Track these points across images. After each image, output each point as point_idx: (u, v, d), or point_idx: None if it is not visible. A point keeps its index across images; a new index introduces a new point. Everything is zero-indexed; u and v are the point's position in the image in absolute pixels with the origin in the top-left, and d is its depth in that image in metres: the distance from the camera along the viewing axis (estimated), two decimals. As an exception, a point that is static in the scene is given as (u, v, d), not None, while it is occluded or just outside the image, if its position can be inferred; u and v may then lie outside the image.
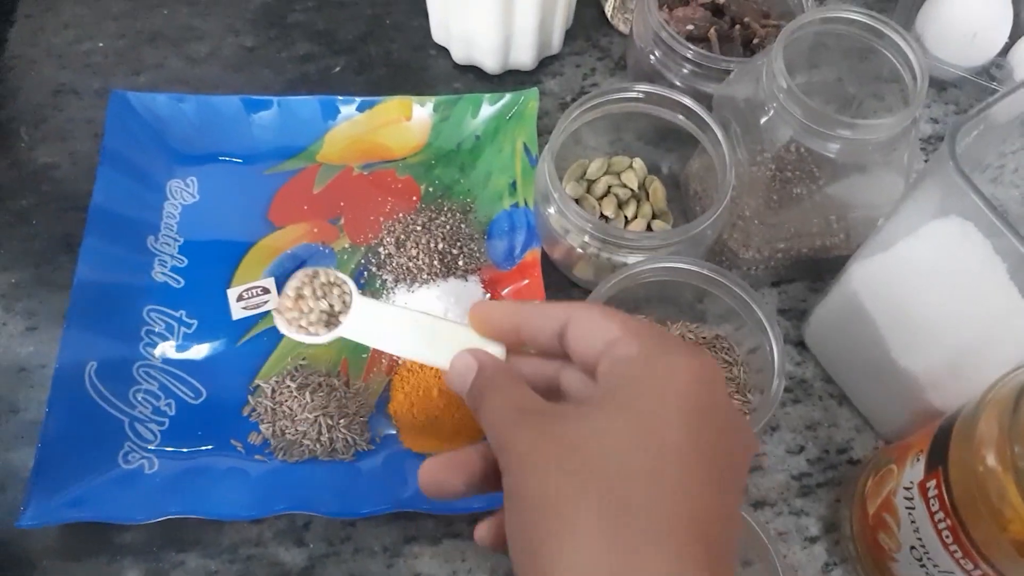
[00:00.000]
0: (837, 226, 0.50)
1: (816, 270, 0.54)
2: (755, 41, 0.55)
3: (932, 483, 0.37)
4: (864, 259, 0.46)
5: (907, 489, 0.39)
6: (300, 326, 0.39)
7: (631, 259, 0.47)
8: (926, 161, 0.59)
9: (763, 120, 0.45)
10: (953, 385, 0.43)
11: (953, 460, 0.36)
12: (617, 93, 0.49)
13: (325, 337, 0.39)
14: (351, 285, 0.40)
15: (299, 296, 0.40)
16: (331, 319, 0.39)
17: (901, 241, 0.43)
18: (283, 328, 0.39)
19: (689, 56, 0.51)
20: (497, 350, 0.36)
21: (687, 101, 0.48)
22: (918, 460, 0.39)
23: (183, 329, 0.51)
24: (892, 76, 0.46)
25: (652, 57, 0.54)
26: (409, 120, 0.57)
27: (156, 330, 0.51)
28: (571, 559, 0.26)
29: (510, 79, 0.61)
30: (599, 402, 0.30)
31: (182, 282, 0.53)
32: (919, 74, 0.42)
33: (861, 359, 0.48)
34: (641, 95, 0.49)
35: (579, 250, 0.48)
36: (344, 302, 0.39)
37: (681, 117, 0.49)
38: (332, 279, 0.40)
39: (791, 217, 0.48)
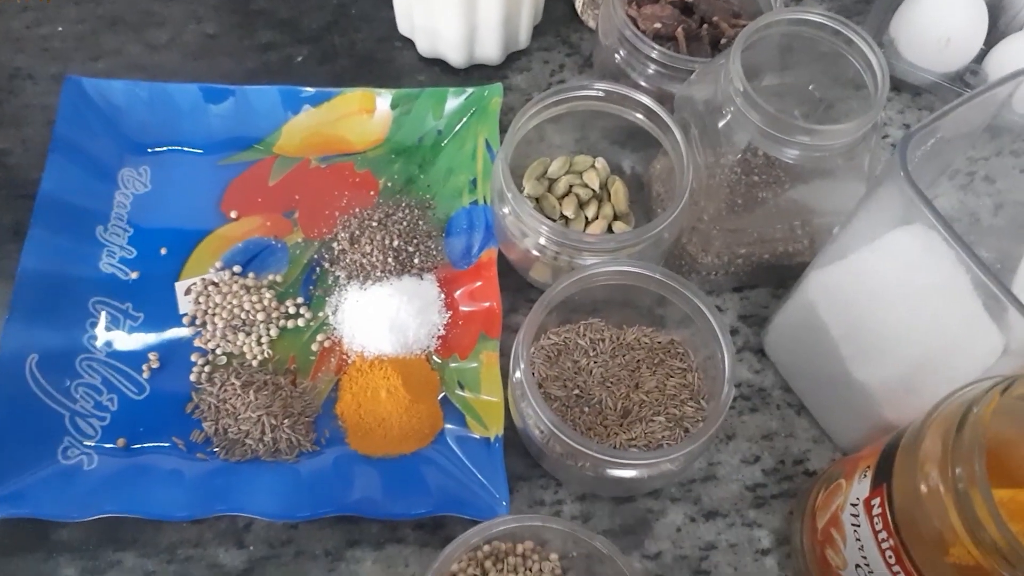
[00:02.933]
0: (801, 232, 0.49)
1: (779, 276, 0.53)
2: (723, 41, 0.53)
3: (876, 500, 0.36)
4: (821, 268, 0.45)
5: (853, 505, 0.38)
6: None
7: (589, 262, 0.46)
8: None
9: (721, 123, 0.44)
10: (908, 400, 0.42)
11: (897, 478, 0.35)
12: (576, 91, 0.48)
13: None
14: None
15: None
16: None
17: (861, 249, 0.43)
18: None
19: (653, 56, 0.50)
20: None
21: (647, 101, 0.47)
22: (865, 476, 0.38)
23: (129, 322, 0.50)
24: (858, 80, 0.45)
25: (617, 56, 0.53)
26: (371, 113, 0.56)
27: (101, 322, 0.50)
28: None
29: (476, 73, 0.60)
30: None
31: (130, 273, 0.51)
32: (880, 79, 0.41)
33: (818, 370, 0.47)
34: (601, 93, 0.48)
35: (535, 252, 0.47)
36: None
37: (641, 117, 0.48)
38: None
39: (752, 222, 0.47)
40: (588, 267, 0.44)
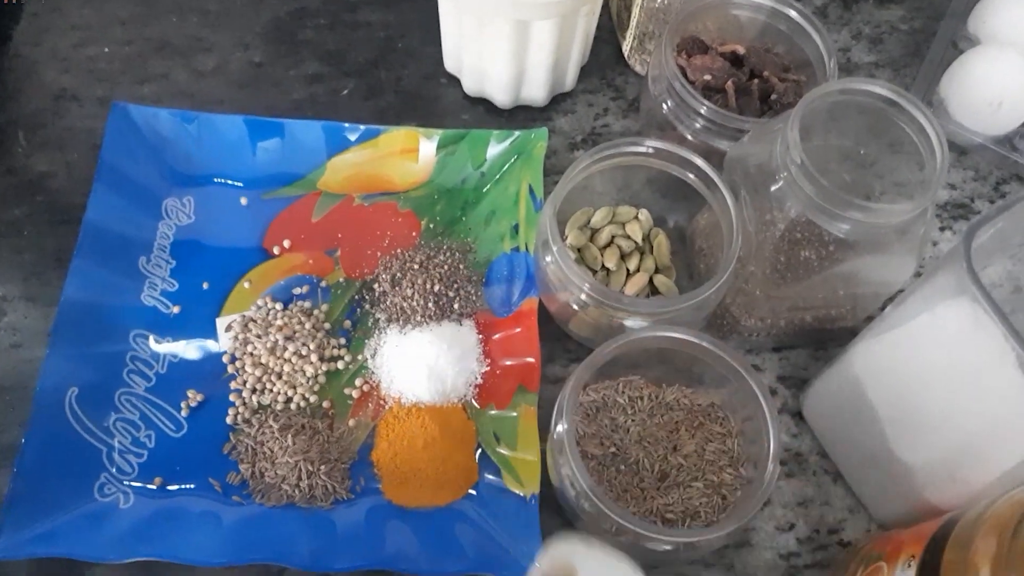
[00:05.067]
0: (843, 298, 0.49)
1: (820, 338, 0.52)
2: (773, 96, 0.53)
3: (922, 595, 0.35)
4: (867, 340, 0.44)
5: (896, 594, 0.37)
6: None
7: (628, 321, 0.46)
8: (940, 230, 0.57)
9: (773, 188, 0.44)
10: (951, 484, 0.41)
11: (946, 574, 0.35)
12: (626, 147, 0.48)
13: None
14: None
15: None
16: None
17: (908, 324, 0.42)
18: None
19: (703, 112, 0.49)
20: None
21: (698, 161, 0.47)
22: (909, 566, 0.37)
23: (169, 357, 0.50)
24: (910, 147, 0.44)
25: (665, 106, 0.52)
26: (415, 152, 0.56)
27: (142, 356, 0.50)
28: None
29: (520, 114, 0.59)
30: None
31: (172, 307, 0.51)
32: (940, 158, 0.41)
33: (858, 442, 0.46)
34: (651, 150, 0.48)
35: (575, 306, 0.47)
36: None
37: (691, 176, 0.48)
38: None
39: (798, 289, 0.46)
40: (632, 332, 0.44)
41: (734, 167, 0.47)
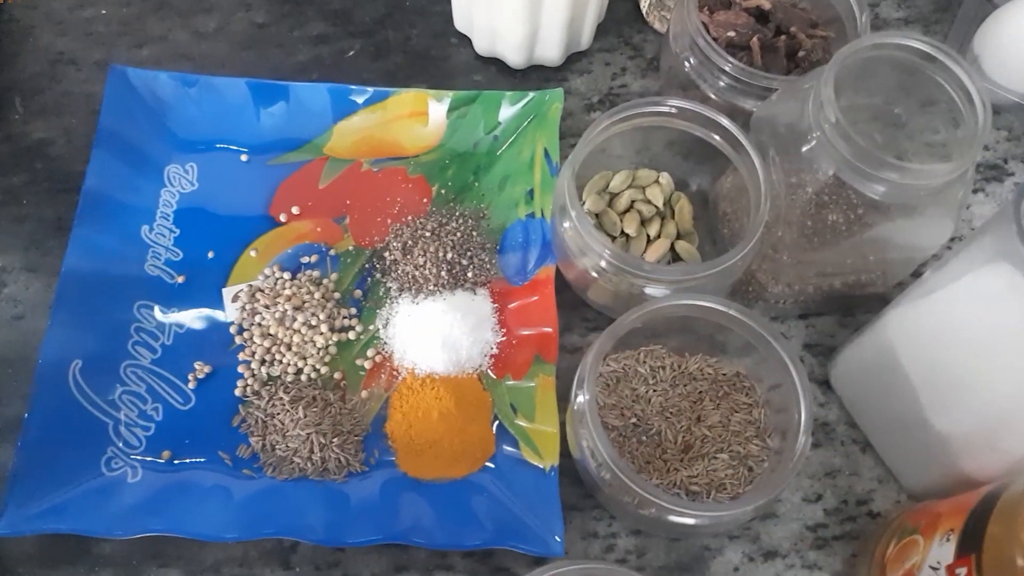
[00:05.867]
0: (874, 263, 0.47)
1: (848, 305, 0.50)
2: (800, 54, 0.51)
3: (963, 571, 0.34)
4: (903, 306, 0.42)
5: (933, 569, 0.36)
6: None
7: (649, 289, 0.44)
8: (973, 192, 0.55)
9: (804, 149, 0.42)
10: (989, 454, 0.40)
11: (989, 548, 0.33)
12: (648, 107, 0.46)
13: None
14: None
15: None
16: None
17: (944, 289, 0.40)
18: None
19: (727, 69, 0.47)
20: None
21: (724, 121, 0.45)
22: (948, 539, 0.36)
23: (174, 328, 0.49)
24: (945, 105, 0.42)
25: (687, 64, 0.50)
26: (424, 116, 0.54)
27: (147, 328, 0.48)
28: None
29: (534, 74, 0.57)
30: None
31: (176, 277, 0.50)
32: (982, 118, 0.38)
33: (890, 411, 0.45)
34: (674, 110, 0.46)
35: (594, 274, 0.45)
36: None
37: (716, 137, 0.46)
38: None
39: (827, 254, 0.44)
40: (655, 300, 0.42)
41: (761, 127, 0.45)
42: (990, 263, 0.37)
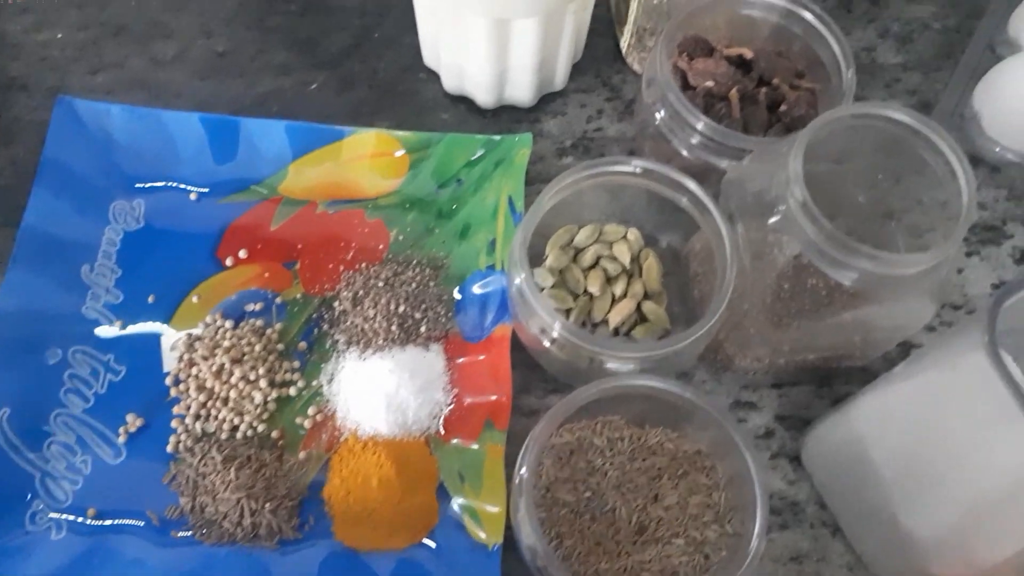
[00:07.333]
0: (850, 342, 0.44)
1: (825, 375, 0.47)
2: (783, 107, 0.48)
3: None
4: (876, 391, 0.40)
5: None
6: None
7: (610, 364, 0.41)
8: (967, 255, 0.52)
9: (771, 222, 0.39)
10: (960, 557, 0.37)
11: None
12: (612, 165, 0.43)
13: None
14: None
15: None
16: None
17: (923, 380, 0.37)
18: None
19: (699, 128, 0.44)
20: None
21: (690, 185, 0.42)
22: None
23: (109, 376, 0.46)
24: (933, 173, 0.39)
25: (658, 116, 0.47)
26: (385, 157, 0.51)
27: (80, 375, 0.46)
28: None
29: (505, 115, 0.54)
30: None
31: (114, 322, 0.47)
32: (966, 202, 0.35)
33: (860, 499, 0.42)
34: (638, 170, 0.43)
35: (546, 343, 0.42)
36: None
37: (684, 200, 0.43)
38: None
39: (799, 332, 0.41)
40: (612, 378, 0.39)
41: (731, 192, 0.42)
42: (966, 357, 0.34)
